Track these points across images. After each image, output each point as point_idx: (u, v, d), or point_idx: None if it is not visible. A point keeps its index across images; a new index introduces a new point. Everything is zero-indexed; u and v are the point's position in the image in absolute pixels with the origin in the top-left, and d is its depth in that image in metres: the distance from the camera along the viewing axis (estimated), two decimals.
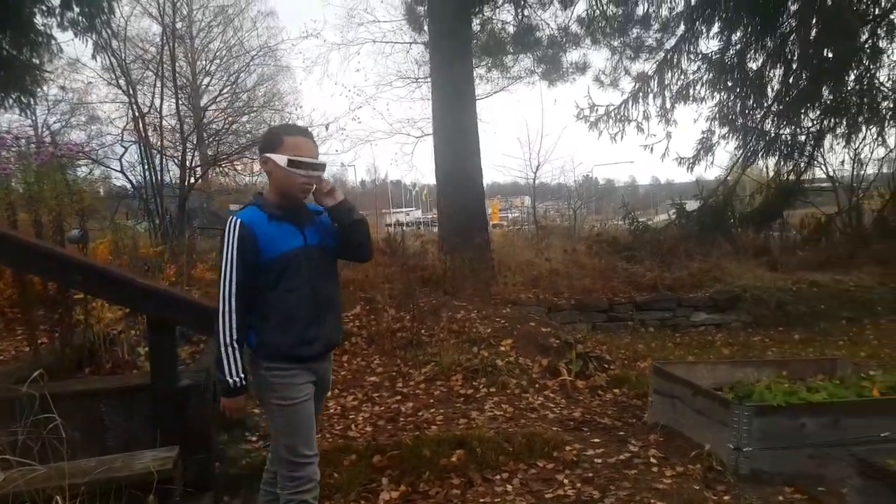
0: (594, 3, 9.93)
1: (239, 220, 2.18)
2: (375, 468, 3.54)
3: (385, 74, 19.30)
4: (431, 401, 4.83)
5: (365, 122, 51.23)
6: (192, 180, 9.53)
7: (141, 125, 9.13)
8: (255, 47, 19.61)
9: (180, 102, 10.50)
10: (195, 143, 10.49)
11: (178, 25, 13.75)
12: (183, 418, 2.98)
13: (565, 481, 3.40)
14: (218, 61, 19.95)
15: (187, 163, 9.33)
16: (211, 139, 14.50)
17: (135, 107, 9.40)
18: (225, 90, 17.07)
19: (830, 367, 4.40)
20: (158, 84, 9.83)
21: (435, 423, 4.36)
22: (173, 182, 9.51)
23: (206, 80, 19.70)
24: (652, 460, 3.64)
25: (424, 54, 10.68)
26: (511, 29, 9.30)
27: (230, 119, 15.01)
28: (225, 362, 2.12)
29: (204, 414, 3.22)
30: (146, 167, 8.91)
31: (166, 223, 8.60)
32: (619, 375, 5.35)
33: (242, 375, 2.15)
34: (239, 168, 14.35)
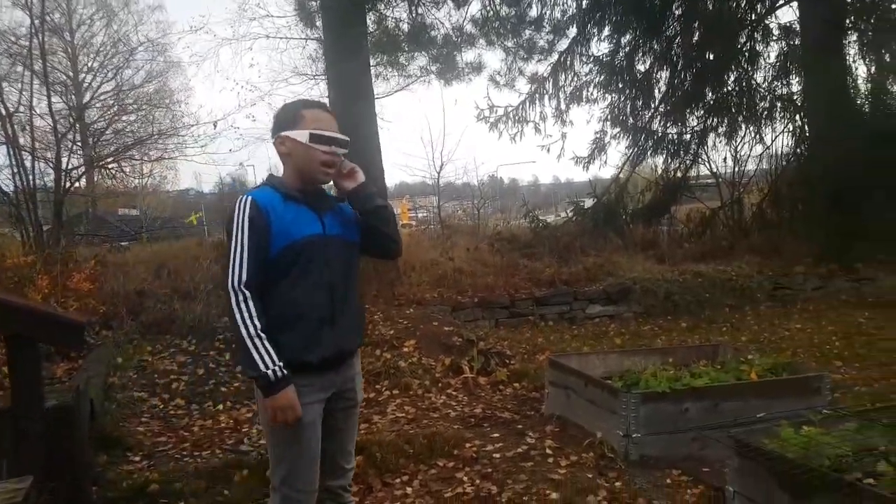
0: (487, 3, 10.14)
1: (250, 198, 1.89)
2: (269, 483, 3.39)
3: (281, 71, 18.92)
4: None
5: (261, 120, 49.45)
6: (69, 184, 8.81)
7: (8, 125, 8.37)
8: (141, 42, 18.55)
9: (60, 100, 9.72)
10: (73, 144, 9.71)
11: (56, 17, 12.76)
12: (48, 443, 2.71)
13: (465, 479, 3.39)
14: (101, 57, 18.72)
15: (63, 165, 8.62)
16: (96, 140, 13.54)
17: (0, 105, 8.59)
18: (104, 86, 16.02)
19: (713, 352, 4.66)
20: (29, 80, 9.07)
21: None
22: (48, 186, 8.78)
23: (88, 78, 18.43)
24: (548, 451, 3.70)
25: (320, 50, 10.49)
26: (406, 27, 9.31)
27: (114, 117, 14.07)
28: (256, 355, 1.79)
29: (74, 436, 2.98)
30: (15, 171, 8.17)
31: (38, 231, 7.92)
32: (519, 370, 5.43)
33: (281, 363, 1.81)
34: (127, 170, 13.50)
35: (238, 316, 1.80)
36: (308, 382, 1.91)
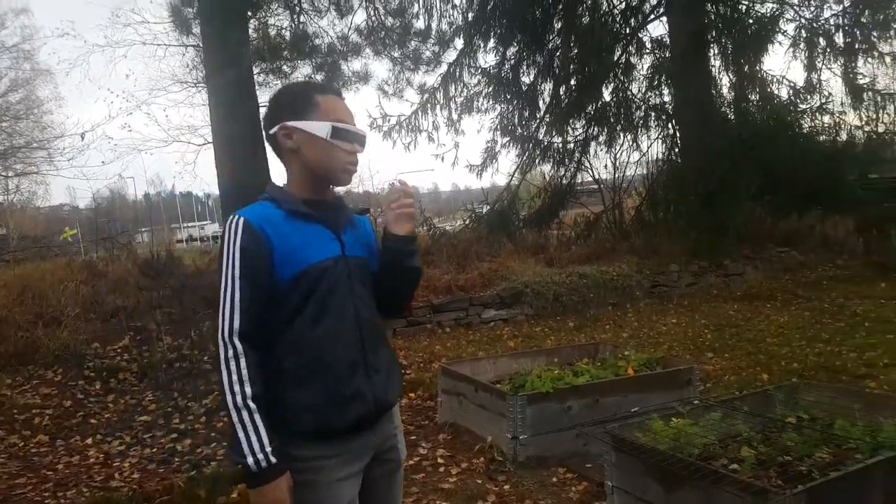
0: (372, 13, 10.15)
1: (241, 220, 1.46)
2: None
3: (160, 78, 17.98)
4: (213, 434, 4.47)
5: (139, 130, 46.70)
6: None
7: None
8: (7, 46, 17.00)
9: None
10: None
11: None
12: None
13: None
14: None
15: None
16: None
17: None
18: None
19: (594, 350, 4.85)
20: None
21: (216, 458, 4.03)
22: None
23: None
24: (440, 460, 3.70)
25: (199, 58, 10.06)
26: (288, 35, 9.12)
27: None
28: (241, 433, 1.35)
29: None
30: None
31: None
32: (415, 379, 5.41)
33: (270, 448, 1.35)
34: None
35: (225, 377, 1.38)
36: (338, 452, 1.47)
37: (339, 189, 1.70)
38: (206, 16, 8.15)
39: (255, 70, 9.01)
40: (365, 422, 1.51)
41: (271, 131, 1.57)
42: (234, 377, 1.37)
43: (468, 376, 4.10)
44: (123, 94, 18.20)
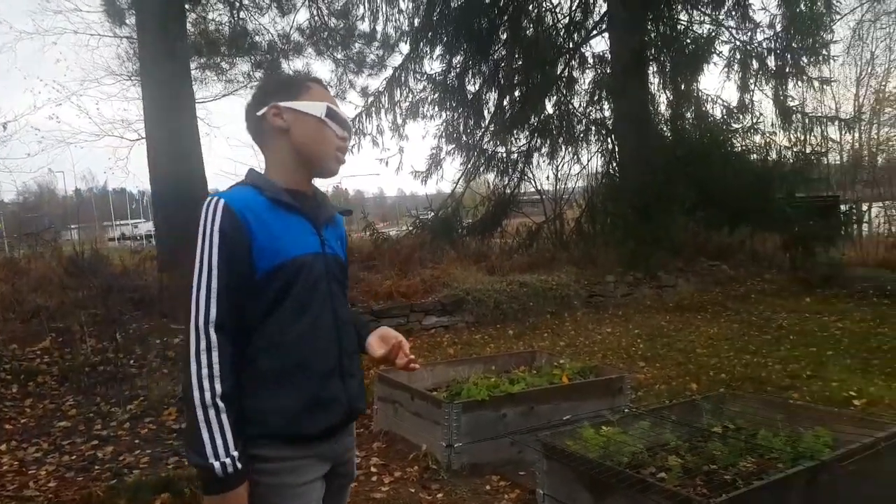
0: (315, 13, 10.04)
1: (222, 202, 1.34)
2: None
3: (92, 69, 17.17)
4: (137, 441, 4.28)
5: (68, 122, 44.64)
6: None
7: None
8: None
9: None
10: None
11: None
12: None
13: None
14: None
15: None
16: None
17: None
18: None
19: (531, 358, 4.89)
20: None
21: (139, 466, 3.85)
22: None
23: None
24: (373, 469, 3.64)
25: (132, 50, 9.72)
26: (227, 30, 8.92)
27: None
28: (205, 433, 1.22)
29: None
30: None
31: None
32: None
33: (236, 453, 1.24)
34: None
35: (193, 369, 1.25)
36: (306, 454, 1.39)
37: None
38: (142, 6, 7.87)
39: (193, 65, 8.76)
40: (336, 428, 1.43)
41: (260, 112, 1.47)
42: (205, 371, 1.25)
43: (404, 384, 4.06)
44: (53, 84, 17.32)
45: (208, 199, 1.37)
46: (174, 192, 8.09)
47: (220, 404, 1.24)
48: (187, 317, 1.31)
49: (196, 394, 1.24)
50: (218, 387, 1.24)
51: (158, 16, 7.46)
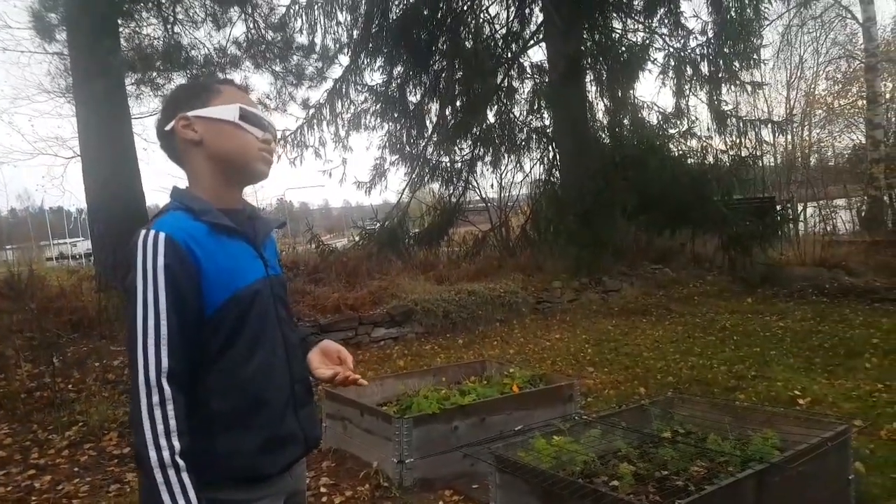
0: (252, 26, 9.90)
1: (163, 236, 1.19)
2: None
3: (23, 87, 16.44)
4: (76, 469, 4.08)
5: (0, 141, 42.67)
6: None
7: None
8: None
9: None
10: None
11: None
12: None
13: None
14: None
15: None
16: None
17: None
18: None
19: (481, 368, 4.88)
20: None
21: (78, 495, 3.67)
22: None
23: None
24: (322, 489, 3.55)
25: (63, 67, 9.33)
26: (161, 45, 8.71)
27: None
28: (166, 497, 1.09)
29: None
30: None
31: None
32: None
33: None
34: None
35: (147, 428, 1.11)
36: (265, 493, 1.30)
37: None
38: (73, 22, 7.58)
39: (128, 81, 8.50)
40: (289, 465, 1.35)
41: (168, 126, 1.34)
42: (160, 428, 1.12)
43: (353, 400, 3.98)
44: None
45: (142, 232, 1.21)
46: (111, 209, 7.83)
47: (180, 462, 1.12)
48: (133, 369, 1.17)
49: (153, 454, 1.11)
50: (176, 443, 1.12)
51: (90, 32, 7.19)
